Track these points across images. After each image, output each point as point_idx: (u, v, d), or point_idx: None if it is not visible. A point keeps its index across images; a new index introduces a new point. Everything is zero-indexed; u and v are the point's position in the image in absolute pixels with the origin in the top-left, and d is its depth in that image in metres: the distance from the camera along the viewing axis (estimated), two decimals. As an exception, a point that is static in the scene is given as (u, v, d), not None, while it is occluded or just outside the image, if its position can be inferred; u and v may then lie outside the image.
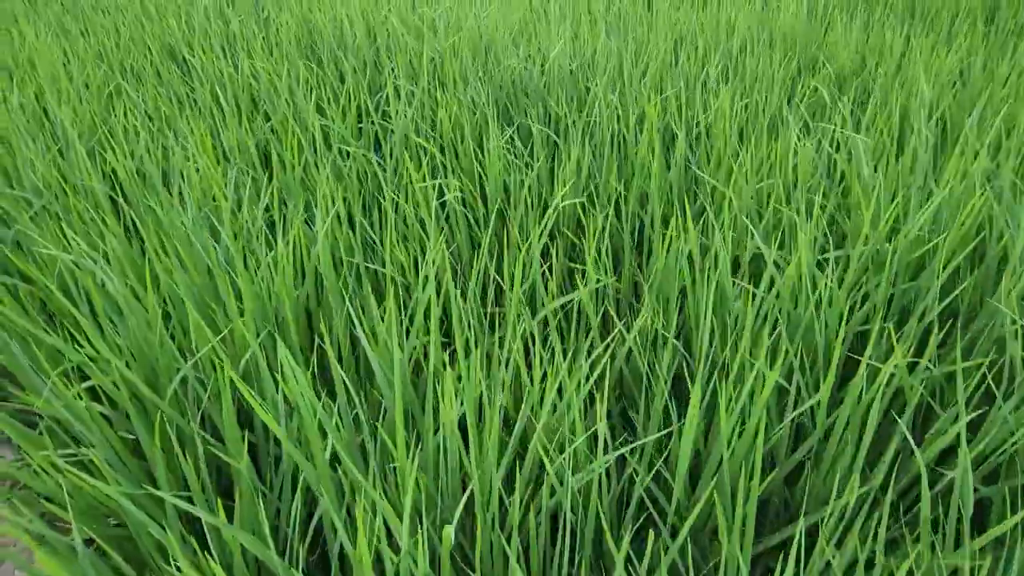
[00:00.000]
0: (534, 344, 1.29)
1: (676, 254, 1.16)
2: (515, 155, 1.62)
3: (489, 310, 1.19)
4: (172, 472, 0.99)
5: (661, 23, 2.57)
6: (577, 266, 1.31)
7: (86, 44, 2.67)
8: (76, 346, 1.34)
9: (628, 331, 1.35)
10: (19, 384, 1.39)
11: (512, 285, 1.39)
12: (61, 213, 1.47)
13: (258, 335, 1.06)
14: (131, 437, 1.06)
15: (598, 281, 1.24)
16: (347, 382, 0.84)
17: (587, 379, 1.06)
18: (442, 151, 1.81)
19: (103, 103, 2.05)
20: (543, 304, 1.23)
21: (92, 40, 2.72)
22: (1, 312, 1.10)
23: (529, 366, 1.31)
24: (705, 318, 0.97)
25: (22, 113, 1.88)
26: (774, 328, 1.13)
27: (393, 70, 2.21)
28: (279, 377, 0.82)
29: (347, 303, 0.93)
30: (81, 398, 0.96)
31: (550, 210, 1.24)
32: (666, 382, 1.01)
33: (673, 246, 1.16)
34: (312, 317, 1.25)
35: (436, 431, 1.06)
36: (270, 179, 1.81)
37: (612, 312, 1.13)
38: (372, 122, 2.06)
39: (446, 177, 1.59)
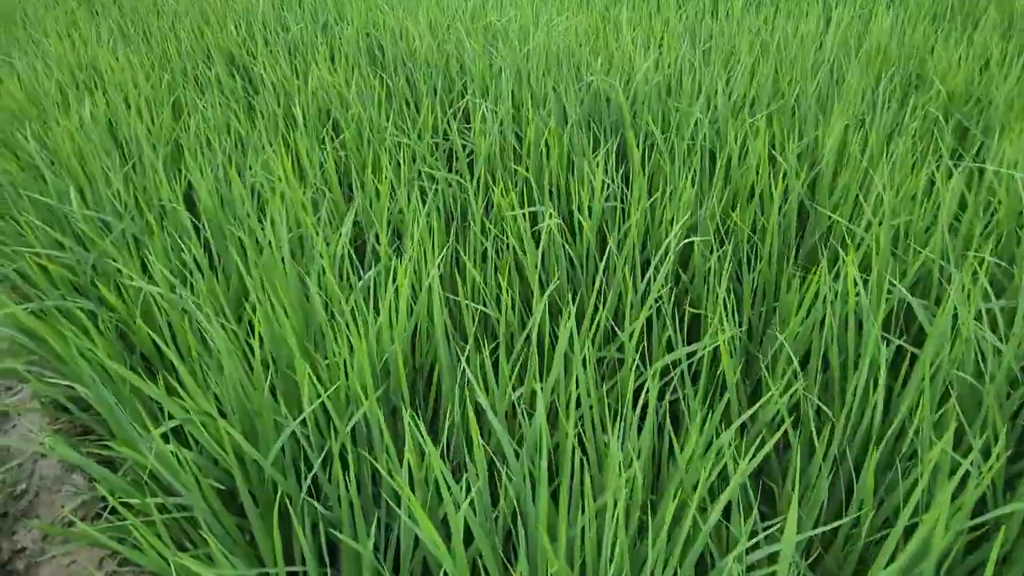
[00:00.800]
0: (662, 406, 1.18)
1: (810, 302, 1.05)
2: (609, 179, 1.52)
3: (606, 355, 1.09)
4: (273, 533, 0.92)
5: (739, 32, 2.44)
6: (691, 309, 1.21)
7: (147, 51, 2.64)
8: (173, 395, 1.28)
9: (757, 389, 1.24)
10: (88, 405, 1.33)
11: (631, 339, 1.29)
12: (139, 236, 1.41)
13: (365, 386, 0.98)
14: (223, 488, 0.99)
15: (721, 330, 1.13)
16: (486, 450, 0.75)
17: (735, 456, 0.95)
18: (526, 169, 1.72)
19: (171, 114, 2.00)
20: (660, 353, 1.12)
21: (153, 46, 2.68)
22: (92, 352, 1.04)
23: (659, 427, 1.20)
24: (873, 392, 0.86)
25: (93, 125, 1.83)
26: (941, 398, 1.01)
27: (466, 85, 2.12)
28: (403, 452, 0.73)
29: (464, 364, 0.84)
30: (180, 459, 0.89)
31: (660, 249, 1.14)
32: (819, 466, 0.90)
33: (809, 294, 1.04)
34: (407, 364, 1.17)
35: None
36: (347, 200, 1.74)
37: (726, 365, 1.02)
38: (446, 138, 1.97)
39: (536, 203, 1.50)
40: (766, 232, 1.39)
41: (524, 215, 1.42)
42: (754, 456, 0.95)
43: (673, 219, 1.33)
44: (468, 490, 0.99)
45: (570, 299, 1.00)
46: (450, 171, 1.89)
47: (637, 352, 1.05)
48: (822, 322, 1.20)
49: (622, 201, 1.71)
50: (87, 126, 1.81)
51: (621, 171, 1.56)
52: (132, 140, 1.77)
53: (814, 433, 0.87)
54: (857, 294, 1.10)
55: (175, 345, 1.27)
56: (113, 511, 1.21)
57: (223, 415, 1.04)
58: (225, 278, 1.38)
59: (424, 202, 1.57)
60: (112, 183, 1.53)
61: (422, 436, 1.05)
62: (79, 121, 1.88)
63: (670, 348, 1.25)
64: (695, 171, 1.57)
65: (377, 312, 1.14)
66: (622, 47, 2.16)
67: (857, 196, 1.30)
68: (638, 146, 1.77)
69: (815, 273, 1.30)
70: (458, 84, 2.10)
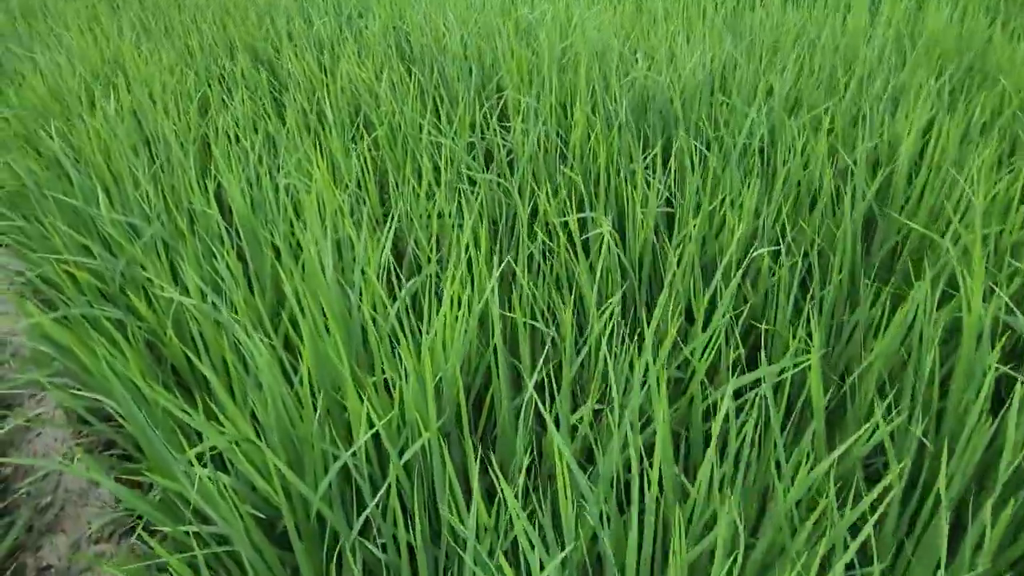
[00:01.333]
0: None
1: (903, 318, 0.96)
2: (662, 184, 1.43)
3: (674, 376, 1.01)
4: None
5: (783, 25, 2.33)
6: (760, 325, 1.12)
7: (170, 45, 2.58)
8: (208, 414, 1.21)
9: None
10: (110, 415, 1.27)
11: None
12: (169, 241, 1.34)
13: (423, 413, 0.90)
14: (262, 516, 0.92)
15: (805, 349, 1.04)
16: (566, 500, 0.67)
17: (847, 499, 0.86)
18: (571, 170, 1.63)
19: (197, 112, 1.93)
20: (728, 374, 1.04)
21: (176, 41, 2.62)
22: (121, 366, 0.97)
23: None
24: (988, 422, 0.77)
25: (119, 122, 1.77)
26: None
27: (500, 81, 2.03)
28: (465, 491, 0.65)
29: (533, 394, 0.76)
30: (218, 488, 0.82)
31: (725, 258, 1.05)
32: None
33: (903, 311, 0.95)
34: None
35: None
36: (381, 204, 1.66)
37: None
38: (483, 137, 1.89)
39: (585, 208, 1.41)
40: (835, 240, 1.29)
41: (572, 221, 1.34)
42: (854, 505, 0.87)
43: (734, 226, 1.24)
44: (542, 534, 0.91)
45: (621, 312, 0.92)
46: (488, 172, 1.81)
47: (704, 371, 0.97)
48: (902, 342, 1.10)
49: (669, 204, 1.62)
50: (112, 122, 1.75)
51: (671, 173, 1.47)
52: (159, 138, 1.70)
53: (920, 473, 0.79)
54: (957, 312, 1.01)
55: (209, 359, 1.20)
56: (145, 526, 1.15)
57: (261, 436, 0.97)
58: (260, 288, 1.31)
59: (463, 206, 1.49)
60: (140, 183, 1.46)
61: (496, 476, 0.97)
62: (104, 117, 1.82)
63: (735, 368, 1.16)
64: (752, 174, 1.48)
65: (424, 330, 1.06)
66: (663, 41, 2.06)
67: (939, 203, 1.21)
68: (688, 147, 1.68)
69: (893, 285, 1.21)
70: (493, 80, 2.01)
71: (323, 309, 1.06)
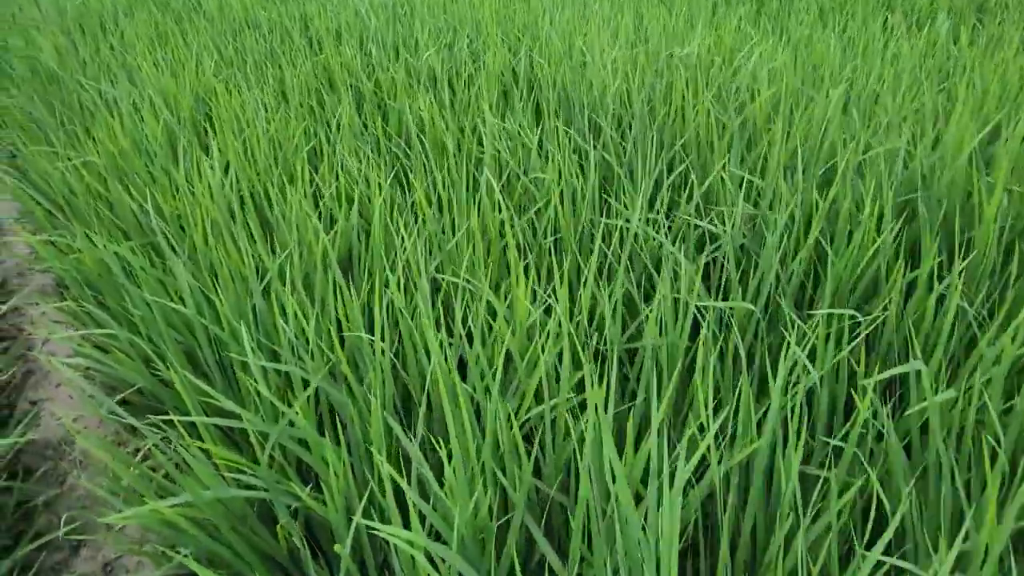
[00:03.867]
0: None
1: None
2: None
3: None
4: None
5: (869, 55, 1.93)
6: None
7: (257, 77, 2.23)
8: None
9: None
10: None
11: None
12: (338, 398, 0.98)
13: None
14: None
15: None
16: None
17: None
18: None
19: (297, 162, 1.56)
20: None
21: (266, 74, 2.27)
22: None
23: None
24: None
25: (233, 196, 1.41)
26: None
27: (687, 144, 1.65)
28: None
29: None
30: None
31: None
32: None
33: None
34: None
35: None
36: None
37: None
38: (670, 216, 1.52)
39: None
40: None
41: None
42: None
43: None
44: None
45: None
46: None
47: None
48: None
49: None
50: (215, 189, 1.39)
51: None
52: (284, 222, 1.35)
53: None
54: None
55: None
56: None
57: None
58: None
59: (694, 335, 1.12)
60: (289, 306, 1.11)
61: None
62: (208, 190, 1.47)
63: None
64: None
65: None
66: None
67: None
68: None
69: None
70: (675, 144, 1.64)
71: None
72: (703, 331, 0.90)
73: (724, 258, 1.34)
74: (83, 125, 2.06)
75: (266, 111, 1.98)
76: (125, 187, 1.68)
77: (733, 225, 1.27)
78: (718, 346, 1.00)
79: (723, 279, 1.24)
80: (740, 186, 1.51)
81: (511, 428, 0.89)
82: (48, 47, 2.44)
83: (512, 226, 1.45)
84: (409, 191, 1.66)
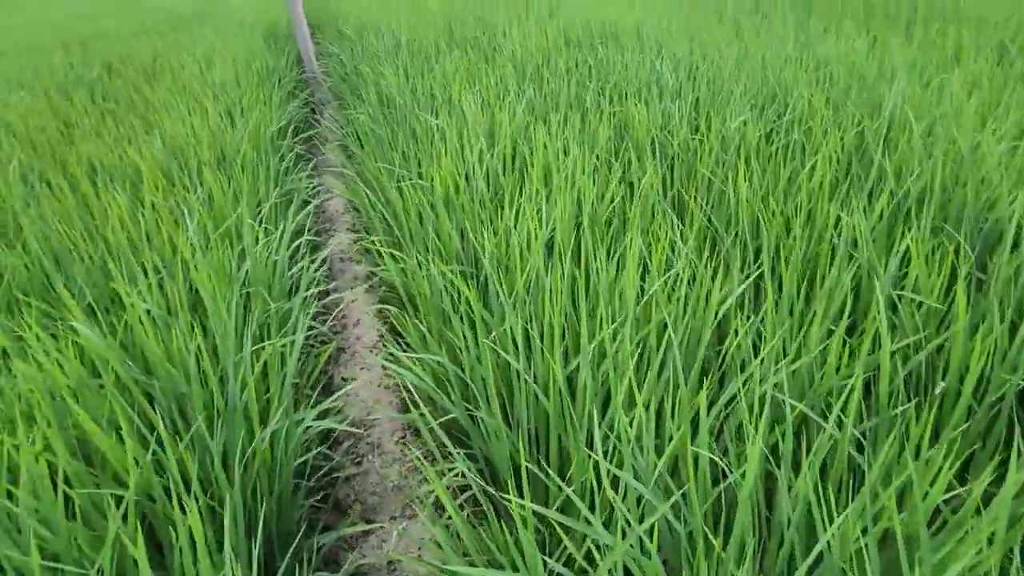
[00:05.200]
0: None
1: None
2: None
3: None
4: None
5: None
6: None
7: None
8: None
9: None
10: None
11: None
12: None
13: None
14: None
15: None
16: None
17: None
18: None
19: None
20: None
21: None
22: None
23: None
24: None
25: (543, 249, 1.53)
26: None
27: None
28: None
29: None
30: None
31: None
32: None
33: None
34: None
35: None
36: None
37: None
38: None
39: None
40: None
41: None
42: None
43: None
44: None
45: None
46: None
47: None
48: None
49: None
50: (534, 248, 1.52)
51: None
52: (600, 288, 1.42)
53: None
54: None
55: None
56: None
57: None
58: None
59: None
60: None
61: None
62: (527, 239, 1.60)
63: None
64: None
65: None
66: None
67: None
68: None
69: None
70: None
71: None
72: None
73: None
74: (413, 148, 2.41)
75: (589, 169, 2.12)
76: (449, 215, 1.92)
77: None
78: None
79: None
80: None
81: None
82: (390, 75, 2.90)
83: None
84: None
